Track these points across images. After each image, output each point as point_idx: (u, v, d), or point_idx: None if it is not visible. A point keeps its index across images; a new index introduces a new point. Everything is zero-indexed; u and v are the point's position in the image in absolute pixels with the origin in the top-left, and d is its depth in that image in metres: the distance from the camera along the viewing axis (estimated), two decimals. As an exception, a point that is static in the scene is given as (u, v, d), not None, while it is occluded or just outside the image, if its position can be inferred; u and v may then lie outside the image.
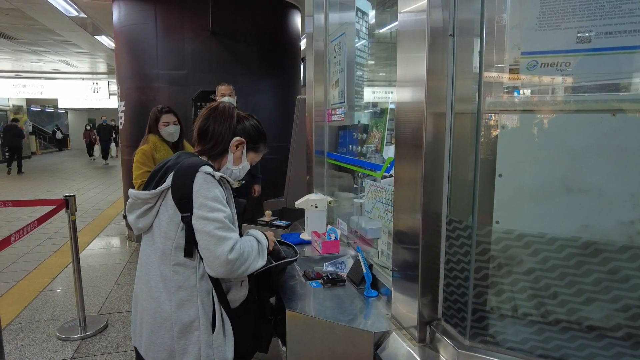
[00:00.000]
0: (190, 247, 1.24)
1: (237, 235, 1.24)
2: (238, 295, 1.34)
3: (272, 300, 1.65)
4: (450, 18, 1.13)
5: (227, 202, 1.28)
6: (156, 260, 1.30)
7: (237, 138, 1.39)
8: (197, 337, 1.26)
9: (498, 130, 1.03)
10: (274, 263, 1.45)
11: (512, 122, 1.03)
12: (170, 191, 1.25)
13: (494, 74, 1.06)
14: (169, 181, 1.26)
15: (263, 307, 1.49)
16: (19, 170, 12.50)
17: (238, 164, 1.42)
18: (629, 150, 0.91)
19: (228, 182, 1.33)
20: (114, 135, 16.35)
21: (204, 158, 1.37)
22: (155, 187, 1.30)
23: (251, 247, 1.28)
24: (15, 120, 14.23)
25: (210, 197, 1.22)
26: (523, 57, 1.00)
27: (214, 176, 1.25)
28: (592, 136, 0.95)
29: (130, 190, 1.35)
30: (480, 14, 1.05)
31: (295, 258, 1.58)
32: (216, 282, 1.29)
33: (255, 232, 1.43)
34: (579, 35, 0.91)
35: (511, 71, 1.02)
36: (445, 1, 1.13)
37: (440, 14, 1.13)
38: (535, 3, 0.97)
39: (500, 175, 1.04)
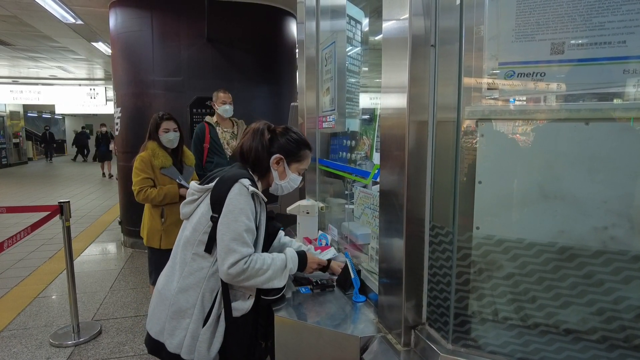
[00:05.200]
0: (211, 243, 1.35)
1: (249, 250, 1.32)
2: (243, 306, 1.41)
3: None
4: (431, 26, 1.17)
5: (257, 217, 1.39)
6: (182, 245, 1.43)
7: (275, 156, 1.48)
8: (187, 325, 1.35)
9: (477, 138, 1.06)
10: (262, 297, 1.48)
11: (491, 130, 1.05)
12: (210, 192, 1.39)
13: (474, 83, 1.08)
14: (213, 183, 1.40)
15: (257, 327, 1.52)
16: (85, 160, 19.66)
17: (283, 178, 1.52)
18: (601, 158, 0.93)
19: (261, 197, 1.42)
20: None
21: (255, 177, 1.49)
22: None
23: (267, 266, 1.36)
24: (83, 127, 21.76)
25: (239, 207, 1.32)
26: (501, 67, 1.03)
27: (248, 189, 1.34)
28: (567, 144, 0.98)
29: (192, 182, 1.51)
30: (459, 25, 1.08)
31: (279, 295, 1.52)
32: (225, 285, 1.37)
33: (292, 254, 1.50)
34: (552, 46, 0.95)
35: (490, 81, 1.05)
36: (426, 10, 1.17)
37: (422, 22, 1.17)
38: (511, 15, 1.00)
39: (480, 182, 1.06)
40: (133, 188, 2.71)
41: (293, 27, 5.72)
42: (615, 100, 0.97)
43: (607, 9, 0.88)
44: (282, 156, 1.49)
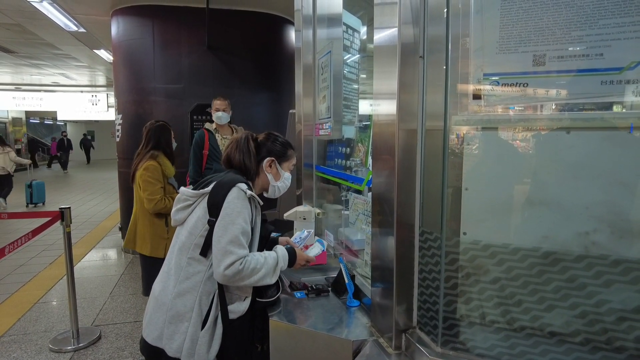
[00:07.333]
0: (207, 247, 1.39)
1: (244, 252, 1.37)
2: (239, 308, 1.44)
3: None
4: (420, 35, 1.20)
5: (252, 219, 1.43)
6: (177, 250, 1.45)
7: (267, 159, 1.57)
8: (185, 329, 1.38)
9: (464, 146, 1.10)
10: (257, 300, 1.50)
11: (477, 138, 1.09)
12: (207, 196, 1.42)
13: (460, 92, 1.12)
14: (210, 188, 1.43)
15: (253, 330, 1.55)
16: (88, 162, 21.22)
17: (278, 179, 1.61)
18: (582, 165, 0.97)
19: (257, 200, 1.47)
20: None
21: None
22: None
23: (261, 265, 1.40)
24: (85, 134, 22.55)
25: (236, 211, 1.37)
26: (485, 77, 1.06)
27: (245, 193, 1.39)
28: (550, 152, 1.01)
29: (182, 187, 1.54)
30: (445, 36, 1.12)
31: (275, 297, 1.57)
32: (221, 288, 1.41)
33: (283, 252, 1.54)
34: (534, 58, 0.98)
35: (475, 91, 1.08)
36: (415, 18, 1.21)
37: (411, 31, 1.21)
38: (495, 28, 1.04)
39: (466, 189, 1.09)
40: (151, 197, 2.58)
41: (292, 35, 5.78)
42: (594, 110, 1.00)
43: (585, 22, 0.92)
44: (273, 158, 1.58)
